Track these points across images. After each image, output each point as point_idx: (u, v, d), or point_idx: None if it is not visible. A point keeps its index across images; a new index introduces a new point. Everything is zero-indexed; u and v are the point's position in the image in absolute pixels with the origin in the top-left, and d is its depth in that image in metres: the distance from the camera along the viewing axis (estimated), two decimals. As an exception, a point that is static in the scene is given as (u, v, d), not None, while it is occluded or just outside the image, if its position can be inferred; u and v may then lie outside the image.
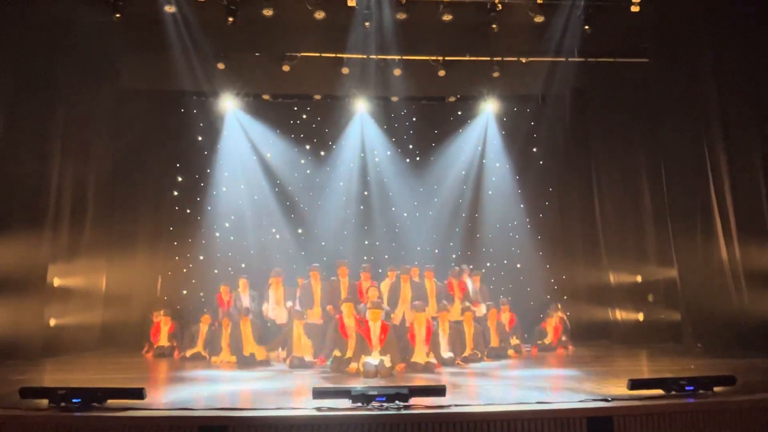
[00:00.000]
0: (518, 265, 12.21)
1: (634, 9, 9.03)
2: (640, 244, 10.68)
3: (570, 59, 10.41)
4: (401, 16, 9.23)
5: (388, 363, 7.34)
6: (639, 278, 10.77)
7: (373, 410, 4.79)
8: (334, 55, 10.50)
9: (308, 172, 12.34)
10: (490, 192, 12.45)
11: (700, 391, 5.26)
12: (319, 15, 9.02)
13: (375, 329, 7.54)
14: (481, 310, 9.74)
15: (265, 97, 12.29)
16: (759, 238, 8.26)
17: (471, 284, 10.01)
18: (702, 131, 9.08)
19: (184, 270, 11.84)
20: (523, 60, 10.70)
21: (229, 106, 12.00)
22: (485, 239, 12.26)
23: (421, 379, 7.19)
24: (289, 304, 9.41)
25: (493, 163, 12.51)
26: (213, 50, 9.96)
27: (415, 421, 4.72)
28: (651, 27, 9.80)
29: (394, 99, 12.19)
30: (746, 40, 8.56)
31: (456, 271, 9.76)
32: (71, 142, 9.72)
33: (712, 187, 8.88)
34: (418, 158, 12.50)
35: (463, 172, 12.47)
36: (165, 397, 5.72)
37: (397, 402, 4.88)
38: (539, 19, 9.25)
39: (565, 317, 10.37)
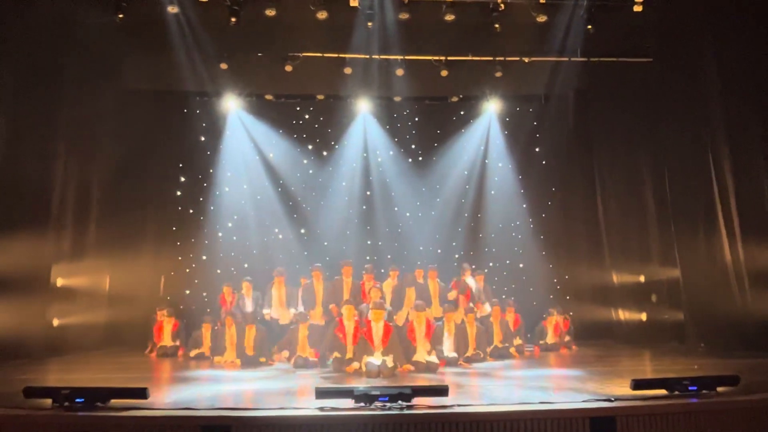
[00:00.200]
0: (521, 265, 12.20)
1: (637, 9, 9.03)
2: (643, 244, 10.66)
3: (573, 59, 10.40)
4: (404, 16, 9.23)
5: (390, 363, 7.35)
6: (642, 278, 10.74)
7: (376, 410, 4.80)
8: (336, 55, 10.50)
9: (311, 172, 12.35)
10: (492, 192, 12.44)
11: (704, 392, 5.26)
12: (322, 15, 9.02)
13: (377, 330, 7.54)
14: (485, 309, 9.73)
15: (268, 97, 12.29)
16: (762, 238, 8.24)
17: (474, 284, 10.00)
18: (705, 131, 9.07)
19: (187, 270, 11.86)
20: (526, 60, 10.69)
21: (232, 106, 12.02)
22: (488, 239, 12.25)
23: (423, 379, 7.20)
24: (293, 311, 9.43)
25: (495, 163, 12.50)
26: (216, 50, 9.97)
27: (417, 421, 4.73)
28: (654, 27, 9.79)
29: (397, 99, 12.19)
30: (749, 39, 8.54)
31: (461, 283, 9.72)
32: (75, 143, 9.75)
33: (715, 187, 8.87)
34: (420, 158, 12.49)
35: (466, 172, 12.46)
36: (168, 397, 5.73)
37: (399, 402, 4.89)
38: (542, 18, 9.24)
39: (568, 318, 10.35)
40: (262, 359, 8.63)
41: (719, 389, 5.32)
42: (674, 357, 8.71)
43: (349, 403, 4.91)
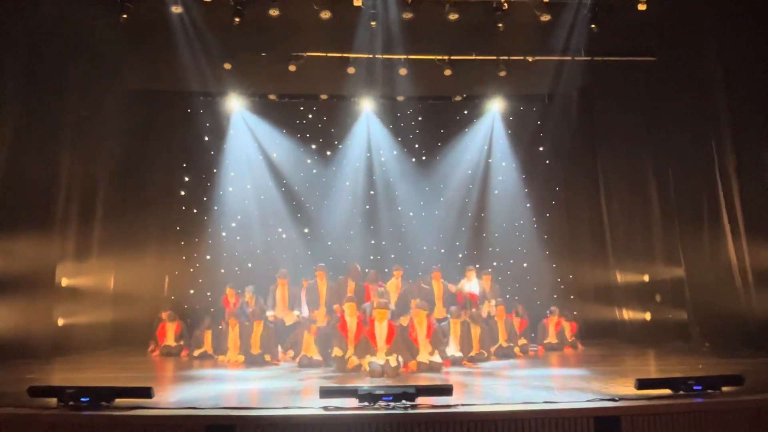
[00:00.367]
0: (525, 265, 12.19)
1: (641, 7, 8.99)
2: (647, 244, 10.63)
3: (576, 58, 10.37)
4: (407, 15, 9.22)
5: (394, 362, 7.34)
6: (646, 277, 10.72)
7: (380, 410, 4.80)
8: (340, 54, 10.50)
9: (314, 171, 12.36)
10: (496, 191, 12.44)
11: (708, 391, 5.24)
12: (325, 15, 9.02)
13: (381, 330, 7.53)
14: (491, 306, 9.72)
15: (272, 97, 12.32)
16: (767, 237, 8.21)
17: (479, 286, 9.98)
18: (709, 130, 9.04)
19: (191, 269, 11.89)
20: (530, 59, 10.67)
21: (236, 106, 12.05)
22: (491, 239, 12.24)
23: (427, 379, 7.20)
24: (296, 312, 9.44)
25: (499, 162, 12.49)
26: (219, 50, 9.97)
27: (422, 420, 4.72)
28: (657, 26, 9.75)
29: (400, 98, 12.19)
30: (753, 37, 8.51)
31: (463, 294, 9.72)
32: (80, 143, 9.77)
33: (719, 186, 8.84)
34: (424, 158, 12.49)
35: (470, 172, 12.45)
36: (173, 396, 5.74)
37: (404, 401, 4.89)
38: (546, 18, 9.22)
39: (570, 320, 10.33)
40: (267, 357, 8.64)
41: (724, 389, 5.30)
42: (679, 356, 8.69)
43: (353, 402, 4.92)
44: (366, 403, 4.87)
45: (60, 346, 9.31)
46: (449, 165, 12.39)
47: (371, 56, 10.24)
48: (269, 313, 9.39)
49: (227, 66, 10.43)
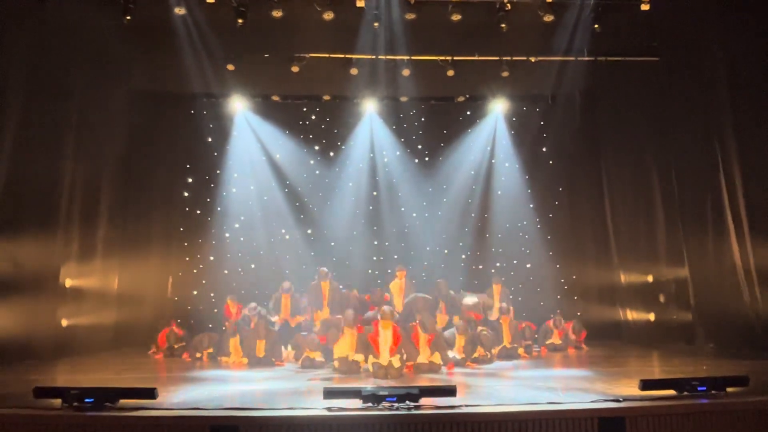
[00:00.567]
0: (528, 265, 12.17)
1: (644, 7, 8.96)
2: (651, 244, 10.60)
3: (579, 58, 10.35)
4: (410, 16, 9.21)
5: (397, 364, 7.34)
6: (650, 278, 10.69)
7: (384, 410, 4.80)
8: (343, 55, 10.50)
9: (317, 172, 12.36)
10: (499, 192, 12.42)
11: (713, 392, 5.23)
12: (328, 16, 9.02)
13: (386, 338, 7.49)
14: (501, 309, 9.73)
15: (275, 98, 12.32)
16: (771, 237, 8.19)
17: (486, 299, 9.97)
18: (713, 130, 9.01)
19: (195, 270, 11.90)
20: (533, 59, 10.65)
21: (239, 107, 12.06)
22: (495, 239, 12.22)
23: (431, 380, 7.19)
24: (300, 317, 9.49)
25: (502, 163, 12.48)
26: (222, 52, 9.98)
27: (425, 421, 4.73)
28: (661, 26, 9.73)
29: (403, 99, 12.18)
30: (757, 37, 8.48)
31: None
32: (83, 144, 9.79)
33: (723, 186, 8.80)
34: (427, 158, 12.49)
35: (473, 172, 12.44)
36: (176, 397, 5.75)
37: (407, 402, 4.89)
38: (548, 18, 9.20)
39: (571, 322, 10.31)
40: (274, 359, 8.69)
41: (729, 390, 5.29)
42: (683, 357, 8.68)
43: (357, 403, 4.92)
44: (369, 404, 4.87)
45: (64, 346, 9.33)
46: (452, 166, 12.38)
47: (374, 57, 10.23)
48: (274, 318, 9.40)
49: (230, 67, 10.44)
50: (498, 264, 12.06)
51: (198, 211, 12.10)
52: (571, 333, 10.17)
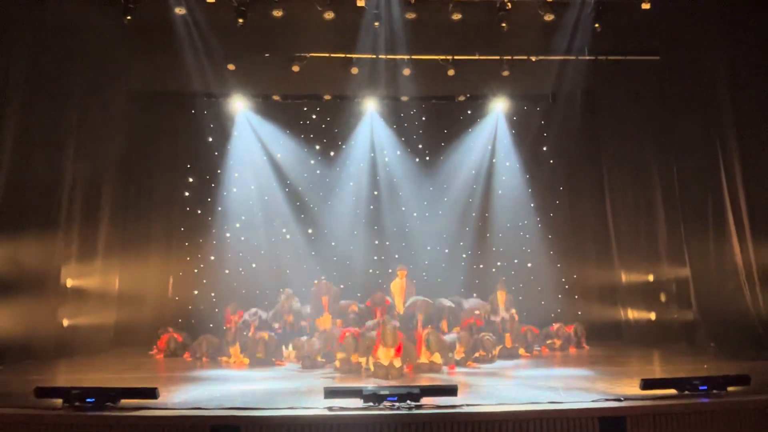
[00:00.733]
0: (529, 265, 12.16)
1: (645, 6, 8.95)
2: (652, 243, 10.60)
3: (580, 58, 10.34)
4: (410, 15, 9.21)
5: (398, 363, 7.34)
6: (651, 277, 10.68)
7: (385, 410, 4.81)
8: (343, 55, 10.49)
9: (318, 172, 12.36)
10: (500, 191, 12.41)
11: (714, 391, 5.23)
12: (329, 15, 9.01)
13: (389, 353, 7.41)
14: (507, 314, 9.73)
15: (275, 97, 12.32)
16: (773, 237, 8.18)
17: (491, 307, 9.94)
18: (714, 129, 9.00)
19: (196, 270, 11.89)
20: (533, 59, 10.64)
21: (240, 107, 12.06)
22: (495, 239, 12.21)
23: (432, 379, 7.19)
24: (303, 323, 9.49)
25: (503, 162, 12.47)
26: (223, 51, 9.98)
27: (426, 420, 4.73)
28: (662, 24, 9.72)
29: (404, 99, 12.17)
30: (758, 36, 8.48)
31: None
32: (84, 144, 9.79)
33: (724, 186, 8.80)
34: (427, 158, 12.48)
35: (473, 172, 12.42)
36: (178, 397, 5.76)
37: (408, 402, 4.89)
38: (549, 17, 9.19)
39: (573, 325, 10.31)
40: (274, 359, 8.70)
41: (730, 389, 5.29)
42: (684, 357, 8.67)
43: (357, 402, 4.92)
44: (370, 404, 4.88)
45: (65, 346, 9.33)
46: (453, 165, 12.36)
47: (375, 56, 10.23)
48: (275, 325, 9.40)
49: (231, 67, 10.44)
50: (499, 263, 12.05)
51: (199, 211, 12.10)
52: (573, 335, 10.15)
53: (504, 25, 9.14)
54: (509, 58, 10.58)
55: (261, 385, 6.83)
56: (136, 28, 8.94)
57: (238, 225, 12.03)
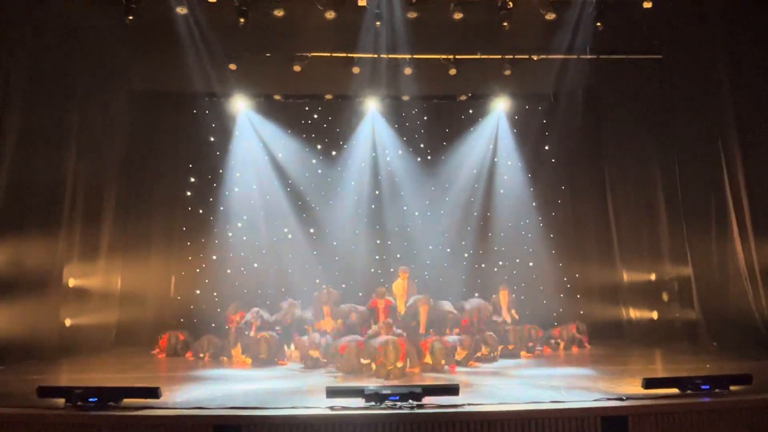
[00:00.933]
0: (530, 264, 12.14)
1: (647, 5, 8.94)
2: (654, 242, 10.59)
3: (582, 57, 10.33)
4: (412, 15, 9.21)
5: (400, 364, 7.33)
6: (653, 276, 10.67)
7: (387, 409, 4.81)
8: (344, 54, 10.50)
9: (320, 171, 12.36)
10: (501, 190, 12.40)
11: (716, 390, 5.22)
12: (330, 15, 9.02)
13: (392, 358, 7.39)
14: (508, 315, 9.71)
15: (277, 97, 12.32)
16: (775, 236, 8.17)
17: (492, 305, 9.91)
18: (716, 128, 8.99)
19: (198, 270, 11.90)
20: (535, 58, 10.64)
21: (241, 106, 12.06)
22: (497, 238, 12.20)
23: (434, 379, 7.19)
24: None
25: (504, 161, 12.46)
26: (224, 51, 10.00)
27: (428, 420, 4.73)
28: (664, 23, 9.70)
29: (405, 98, 12.17)
30: (760, 35, 8.46)
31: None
32: (86, 144, 9.81)
33: (726, 185, 8.79)
34: (429, 157, 12.46)
35: (475, 171, 12.41)
36: (180, 397, 5.76)
37: (410, 401, 4.89)
38: (551, 16, 9.19)
39: (581, 331, 10.30)
40: (277, 359, 8.72)
41: (732, 388, 5.28)
42: (686, 356, 8.66)
43: (359, 402, 4.92)
44: (372, 403, 4.88)
45: (67, 346, 9.36)
46: (454, 164, 12.35)
47: (376, 56, 10.23)
48: (276, 328, 9.41)
49: (232, 67, 10.44)
50: (500, 263, 12.04)
51: (200, 211, 12.11)
52: (576, 334, 10.13)
53: (505, 24, 9.13)
54: (511, 57, 10.59)
55: (263, 385, 6.84)
56: (138, 28, 8.96)
57: (239, 225, 12.03)
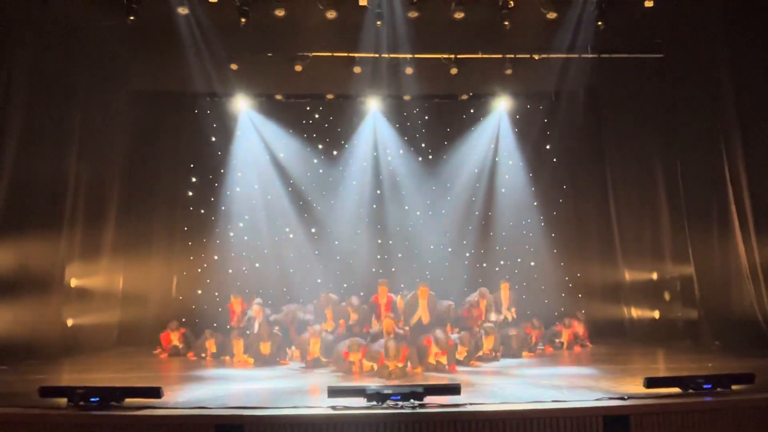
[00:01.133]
0: (532, 263, 12.14)
1: (648, 4, 8.92)
2: (656, 241, 10.57)
3: (583, 56, 10.32)
4: (413, 14, 9.21)
5: (400, 364, 7.33)
6: (655, 275, 10.66)
7: (388, 409, 4.81)
8: (346, 54, 10.49)
9: (321, 171, 12.36)
10: (503, 190, 12.39)
11: (718, 390, 5.22)
12: (331, 15, 9.02)
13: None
14: (508, 313, 9.69)
15: (278, 97, 12.32)
16: (777, 235, 8.16)
17: (489, 298, 9.88)
18: (718, 127, 8.98)
19: (199, 270, 11.91)
20: (536, 57, 10.62)
21: (242, 106, 12.07)
22: (499, 237, 12.19)
23: (435, 378, 7.19)
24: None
25: (506, 160, 12.44)
26: (226, 51, 10.00)
27: (429, 419, 4.73)
28: (665, 22, 9.69)
29: (407, 98, 12.16)
30: (762, 34, 8.45)
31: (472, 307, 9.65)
32: (87, 144, 9.82)
33: (728, 183, 8.78)
34: (430, 156, 12.45)
35: (476, 170, 12.41)
36: (182, 396, 5.77)
37: (412, 401, 4.89)
38: (552, 15, 9.18)
39: (581, 321, 10.28)
40: (279, 359, 8.72)
41: (734, 387, 5.28)
42: (688, 355, 8.65)
43: (361, 401, 4.92)
44: (374, 403, 4.88)
45: (69, 346, 9.38)
46: (456, 164, 12.34)
47: (377, 55, 10.22)
48: (276, 328, 9.40)
49: (233, 66, 10.44)
50: (502, 262, 12.03)
51: (202, 211, 12.11)
52: (578, 333, 10.12)
53: (507, 23, 9.12)
54: (512, 56, 10.57)
55: (265, 384, 6.84)
56: (139, 27, 8.95)
57: (241, 224, 12.04)
